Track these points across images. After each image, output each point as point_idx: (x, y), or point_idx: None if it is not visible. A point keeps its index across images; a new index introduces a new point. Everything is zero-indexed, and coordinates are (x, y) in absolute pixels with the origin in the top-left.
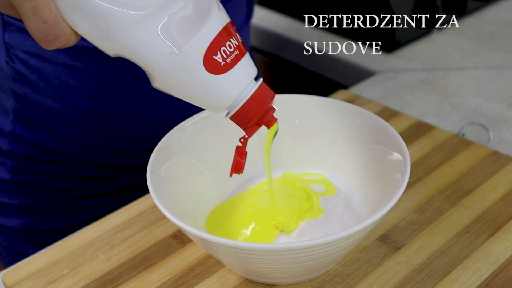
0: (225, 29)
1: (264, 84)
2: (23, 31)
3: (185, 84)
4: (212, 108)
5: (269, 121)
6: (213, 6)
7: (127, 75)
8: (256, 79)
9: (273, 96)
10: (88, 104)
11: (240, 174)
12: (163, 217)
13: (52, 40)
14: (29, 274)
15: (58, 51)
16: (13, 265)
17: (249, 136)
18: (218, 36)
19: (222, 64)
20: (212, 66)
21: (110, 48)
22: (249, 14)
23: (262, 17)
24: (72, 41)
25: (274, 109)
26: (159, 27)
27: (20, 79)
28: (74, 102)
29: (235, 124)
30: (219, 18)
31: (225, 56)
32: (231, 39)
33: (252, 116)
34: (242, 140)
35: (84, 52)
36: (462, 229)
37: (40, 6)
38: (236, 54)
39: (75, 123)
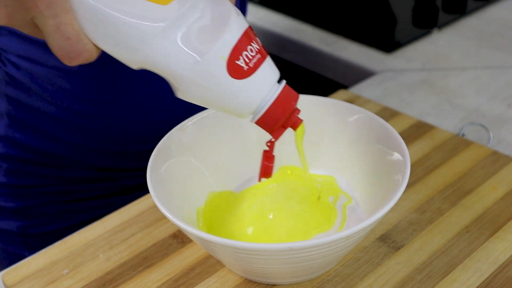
0: (245, 34)
1: (288, 86)
2: (15, 34)
3: (210, 92)
4: (236, 114)
5: (295, 123)
6: (231, 12)
7: (120, 78)
8: (279, 81)
9: (297, 98)
10: (81, 106)
11: (269, 178)
12: (163, 217)
13: (74, 56)
14: (29, 274)
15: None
16: (13, 265)
17: (276, 139)
18: (239, 41)
19: (245, 69)
20: (236, 71)
21: (133, 62)
22: (242, 13)
23: (262, 17)
24: (93, 57)
25: (299, 111)
26: (180, 37)
27: (13, 82)
28: (67, 105)
29: (235, 124)
30: (239, 24)
31: (247, 61)
32: (252, 43)
33: (278, 120)
34: (268, 144)
35: None
36: (462, 229)
37: (62, 23)
38: (258, 58)
39: (69, 125)
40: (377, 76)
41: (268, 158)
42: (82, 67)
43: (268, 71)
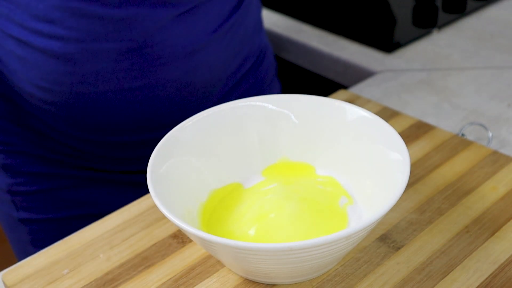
0: None
1: None
2: None
3: None
4: None
5: None
6: None
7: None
8: None
9: None
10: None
11: None
12: (163, 217)
13: None
14: (29, 274)
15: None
16: (13, 265)
17: None
18: None
19: None
20: None
21: None
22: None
23: (263, 17)
24: None
25: None
26: None
27: None
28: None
29: (235, 124)
30: None
31: None
32: None
33: None
34: None
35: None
36: (462, 229)
37: None
38: None
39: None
40: (377, 76)
41: None
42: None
43: None
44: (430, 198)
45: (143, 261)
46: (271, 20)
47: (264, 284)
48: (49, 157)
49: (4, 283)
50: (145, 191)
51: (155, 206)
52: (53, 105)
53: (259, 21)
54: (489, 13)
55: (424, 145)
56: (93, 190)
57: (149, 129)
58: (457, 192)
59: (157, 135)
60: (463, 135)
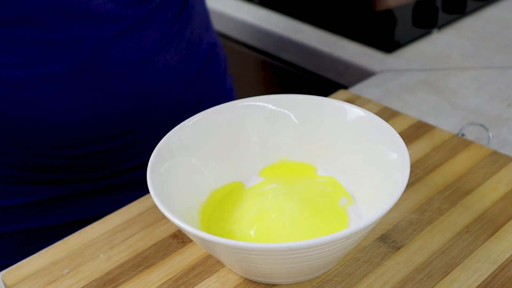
0: None
1: None
2: None
3: None
4: None
5: None
6: None
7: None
8: None
9: None
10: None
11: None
12: (163, 217)
13: None
14: (29, 274)
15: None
16: (13, 265)
17: None
18: None
19: None
20: None
21: None
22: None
23: (262, 17)
24: None
25: None
26: None
27: None
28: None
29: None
30: None
31: None
32: None
33: None
34: None
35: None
36: (462, 229)
37: None
38: None
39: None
40: (377, 76)
41: None
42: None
43: None
44: (430, 198)
45: (143, 261)
46: (271, 20)
47: (264, 284)
48: (18, 175)
49: (4, 283)
50: (127, 195)
51: (155, 206)
52: (6, 128)
53: (206, 20)
54: (489, 13)
55: (424, 145)
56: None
57: (109, 139)
58: (457, 192)
59: (118, 142)
60: (463, 135)
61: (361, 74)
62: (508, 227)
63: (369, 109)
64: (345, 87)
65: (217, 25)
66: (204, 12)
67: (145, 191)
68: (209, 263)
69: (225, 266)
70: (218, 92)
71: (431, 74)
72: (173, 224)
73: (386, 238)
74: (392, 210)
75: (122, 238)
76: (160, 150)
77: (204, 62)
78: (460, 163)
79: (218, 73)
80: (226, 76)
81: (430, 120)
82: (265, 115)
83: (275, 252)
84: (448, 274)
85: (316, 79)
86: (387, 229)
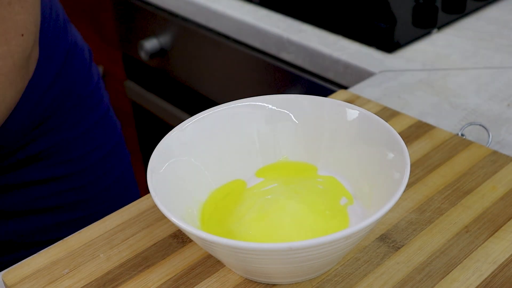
0: None
1: None
2: None
3: None
4: None
5: None
6: None
7: None
8: None
9: None
10: None
11: None
12: (163, 217)
13: None
14: (29, 274)
15: None
16: (13, 265)
17: None
18: None
19: None
20: None
21: None
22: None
23: (262, 17)
24: None
25: None
26: None
27: None
28: None
29: (235, 124)
30: None
31: None
32: None
33: None
34: None
35: None
36: (462, 229)
37: None
38: None
39: None
40: (377, 76)
41: None
42: None
43: None
44: (430, 198)
45: (143, 261)
46: (271, 20)
47: (264, 284)
48: None
49: (4, 283)
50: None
51: (155, 206)
52: None
53: (62, 26)
54: (489, 13)
55: (424, 145)
56: None
57: None
58: (456, 192)
59: None
60: (462, 135)
61: (361, 74)
62: (508, 227)
63: (369, 109)
64: (345, 87)
65: (217, 25)
66: (60, 17)
67: None
68: (209, 263)
69: (225, 266)
70: (84, 89)
71: (431, 74)
72: (173, 224)
73: (386, 238)
74: (392, 210)
75: (122, 238)
76: (160, 150)
77: (63, 65)
78: (459, 163)
79: (81, 70)
80: (92, 68)
81: (430, 120)
82: (265, 115)
83: (275, 252)
84: (448, 274)
85: (316, 79)
86: (387, 229)
